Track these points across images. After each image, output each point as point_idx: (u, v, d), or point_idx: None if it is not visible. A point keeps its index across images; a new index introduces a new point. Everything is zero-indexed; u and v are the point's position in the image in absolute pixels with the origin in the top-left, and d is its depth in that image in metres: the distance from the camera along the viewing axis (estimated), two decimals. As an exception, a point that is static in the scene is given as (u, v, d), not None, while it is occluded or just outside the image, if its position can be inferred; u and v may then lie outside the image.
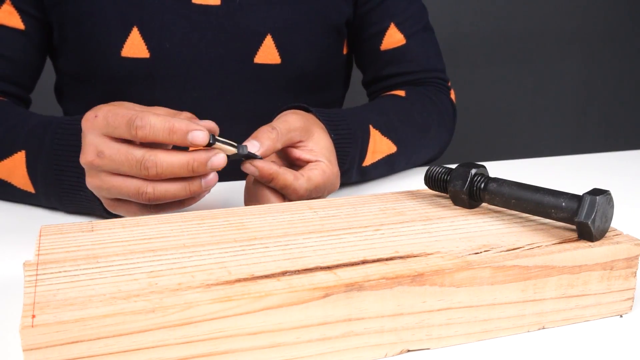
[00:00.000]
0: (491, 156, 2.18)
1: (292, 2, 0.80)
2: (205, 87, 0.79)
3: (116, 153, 0.50)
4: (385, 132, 0.74)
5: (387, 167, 0.76)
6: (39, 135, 0.62)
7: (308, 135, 0.60)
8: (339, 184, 0.62)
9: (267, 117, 0.64)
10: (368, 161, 0.72)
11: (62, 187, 0.60)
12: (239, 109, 0.81)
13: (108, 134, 0.50)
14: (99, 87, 0.80)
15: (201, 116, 0.77)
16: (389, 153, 0.75)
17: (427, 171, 0.55)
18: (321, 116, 0.66)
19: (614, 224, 0.59)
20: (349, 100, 0.97)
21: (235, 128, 0.63)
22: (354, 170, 0.71)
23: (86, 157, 0.51)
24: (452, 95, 0.92)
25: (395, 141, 0.75)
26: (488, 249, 0.43)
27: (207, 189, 0.53)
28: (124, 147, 0.50)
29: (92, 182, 0.52)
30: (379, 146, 0.73)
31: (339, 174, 0.62)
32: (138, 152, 0.49)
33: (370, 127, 0.73)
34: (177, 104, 0.78)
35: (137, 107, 0.53)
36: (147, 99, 0.76)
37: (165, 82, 0.77)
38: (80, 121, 0.59)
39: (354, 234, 0.45)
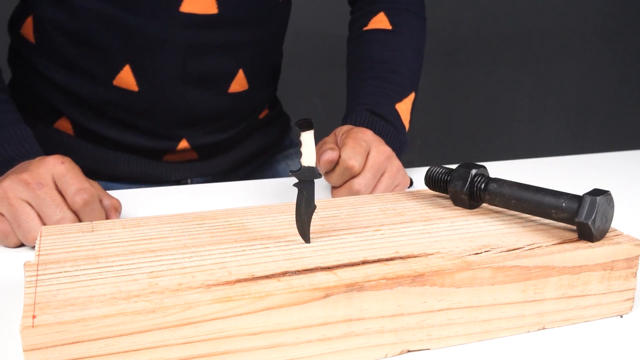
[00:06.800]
0: (491, 156, 2.18)
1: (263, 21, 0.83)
2: (188, 118, 0.81)
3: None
4: (403, 95, 0.79)
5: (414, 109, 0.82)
6: None
7: (341, 138, 0.67)
8: (397, 162, 0.68)
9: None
10: (407, 125, 0.80)
11: None
12: (212, 133, 0.84)
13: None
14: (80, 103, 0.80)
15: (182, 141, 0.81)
16: (412, 102, 0.80)
17: (428, 172, 0.55)
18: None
19: (614, 224, 0.59)
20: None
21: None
22: (404, 143, 0.78)
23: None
24: None
25: (410, 91, 0.80)
26: (488, 249, 0.43)
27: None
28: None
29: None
30: (406, 113, 0.79)
31: (380, 146, 0.67)
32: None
33: (396, 106, 0.77)
34: (160, 132, 0.80)
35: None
36: (130, 124, 0.79)
37: (149, 112, 0.78)
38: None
39: (354, 234, 0.45)
